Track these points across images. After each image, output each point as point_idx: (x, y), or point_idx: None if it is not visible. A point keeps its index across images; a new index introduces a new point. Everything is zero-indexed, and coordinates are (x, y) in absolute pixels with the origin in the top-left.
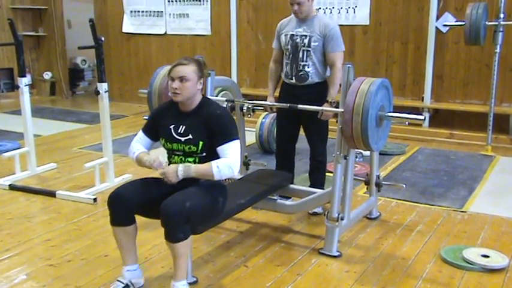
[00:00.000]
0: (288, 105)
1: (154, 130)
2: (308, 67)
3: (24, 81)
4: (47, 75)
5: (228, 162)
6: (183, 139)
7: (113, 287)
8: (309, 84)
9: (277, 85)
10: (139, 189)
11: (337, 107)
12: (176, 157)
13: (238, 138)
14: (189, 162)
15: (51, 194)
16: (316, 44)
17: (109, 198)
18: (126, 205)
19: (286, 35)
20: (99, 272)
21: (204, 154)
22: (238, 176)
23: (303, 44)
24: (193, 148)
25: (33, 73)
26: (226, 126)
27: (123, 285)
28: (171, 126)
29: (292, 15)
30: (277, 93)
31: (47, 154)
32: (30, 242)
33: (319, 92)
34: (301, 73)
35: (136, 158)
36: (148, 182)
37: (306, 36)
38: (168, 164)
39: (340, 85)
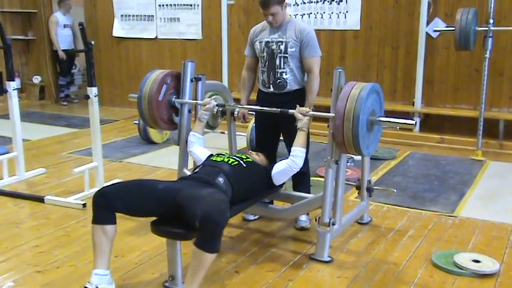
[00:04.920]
0: (280, 110)
1: None
2: (286, 74)
3: (12, 85)
4: (36, 80)
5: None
6: None
7: None
8: (287, 91)
9: (250, 94)
10: (129, 191)
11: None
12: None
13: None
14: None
15: (40, 200)
16: (293, 49)
17: (94, 195)
18: (109, 204)
19: (261, 42)
20: (88, 279)
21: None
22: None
23: (279, 51)
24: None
25: (23, 77)
26: None
27: None
28: None
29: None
30: (252, 97)
31: (36, 159)
32: (18, 248)
33: (298, 99)
34: (279, 81)
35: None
36: (141, 184)
37: (282, 42)
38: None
39: (331, 90)
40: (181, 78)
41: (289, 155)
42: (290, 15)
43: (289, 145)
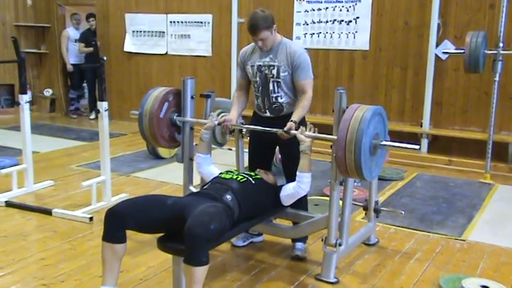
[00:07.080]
0: (284, 130)
1: None
2: (281, 98)
3: (25, 98)
4: (48, 92)
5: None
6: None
7: None
8: (284, 115)
9: (242, 111)
10: (140, 208)
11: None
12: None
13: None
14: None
15: (47, 212)
16: (285, 74)
17: (106, 213)
18: (121, 223)
19: (253, 66)
20: None
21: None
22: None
23: (271, 75)
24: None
25: (34, 90)
26: None
27: None
28: None
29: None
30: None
31: (45, 171)
32: (25, 261)
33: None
34: (275, 105)
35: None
36: (151, 200)
37: (273, 66)
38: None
39: (333, 110)
40: (182, 95)
41: (286, 181)
42: (281, 36)
43: (287, 166)
